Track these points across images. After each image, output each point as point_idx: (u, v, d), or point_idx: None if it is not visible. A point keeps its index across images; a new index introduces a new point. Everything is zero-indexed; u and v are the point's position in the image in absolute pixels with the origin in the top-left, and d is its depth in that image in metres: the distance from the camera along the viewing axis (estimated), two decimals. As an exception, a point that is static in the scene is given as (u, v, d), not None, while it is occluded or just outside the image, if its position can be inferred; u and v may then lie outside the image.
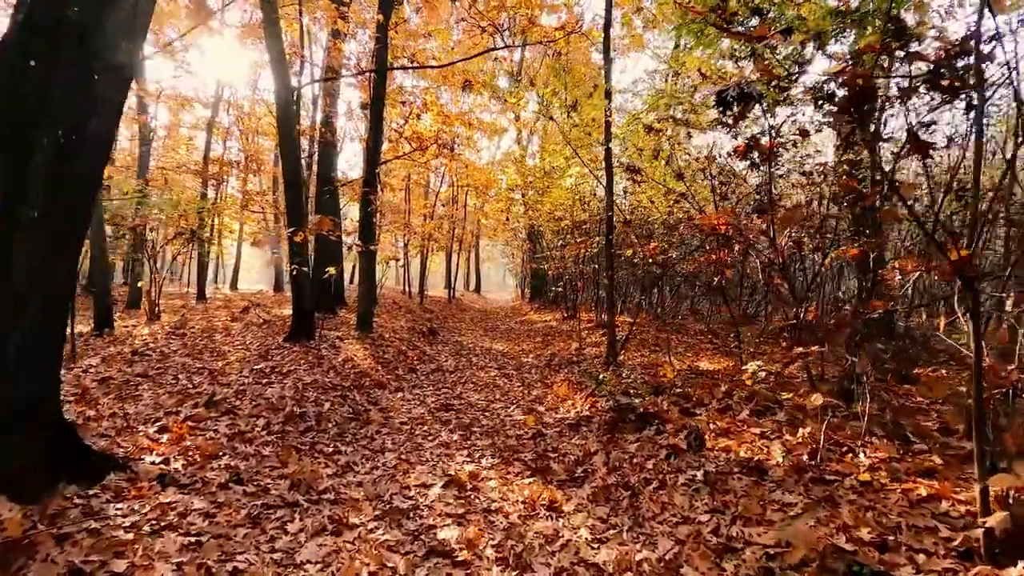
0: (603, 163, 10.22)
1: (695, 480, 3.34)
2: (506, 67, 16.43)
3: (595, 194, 11.18)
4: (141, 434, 3.58)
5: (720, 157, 5.74)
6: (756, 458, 3.43)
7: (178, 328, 9.09)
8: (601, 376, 5.14)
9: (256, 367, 6.03)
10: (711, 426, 4.13)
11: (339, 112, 12.31)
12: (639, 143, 6.90)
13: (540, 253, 19.23)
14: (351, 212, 17.56)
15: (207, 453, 3.44)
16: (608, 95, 6.34)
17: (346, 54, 10.36)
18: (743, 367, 5.90)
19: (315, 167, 12.27)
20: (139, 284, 10.78)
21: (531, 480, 3.75)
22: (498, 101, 18.28)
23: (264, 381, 5.42)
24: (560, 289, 15.46)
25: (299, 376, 5.76)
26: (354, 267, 23.78)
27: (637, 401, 4.55)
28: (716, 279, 5.39)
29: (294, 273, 7.39)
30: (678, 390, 5.22)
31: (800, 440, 3.53)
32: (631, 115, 6.53)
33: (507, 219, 18.39)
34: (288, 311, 10.14)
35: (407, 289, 23.96)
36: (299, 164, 7.35)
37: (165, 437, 3.59)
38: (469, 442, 4.66)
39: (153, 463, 3.17)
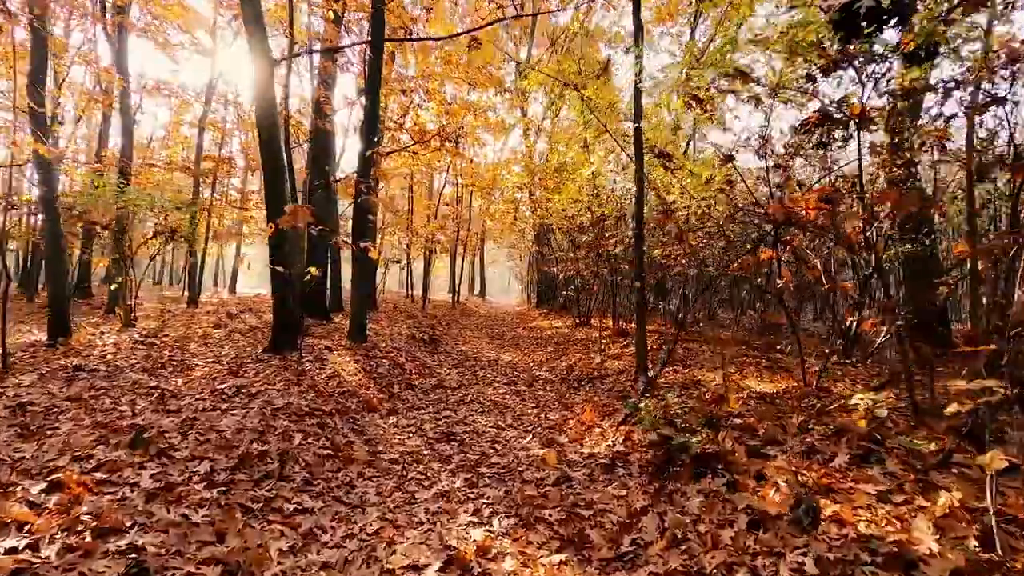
0: (621, 153, 9.23)
1: (804, 572, 2.31)
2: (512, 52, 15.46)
3: (613, 189, 10.16)
4: (18, 496, 2.57)
5: (782, 134, 4.72)
6: (891, 538, 2.39)
7: (150, 336, 8.13)
8: (642, 404, 4.12)
9: (220, 386, 5.02)
10: (799, 478, 3.09)
11: (334, 99, 11.36)
12: (680, 116, 5.88)
13: (549, 255, 18.25)
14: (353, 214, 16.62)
15: (107, 525, 2.43)
16: (638, 59, 5.33)
17: (341, 32, 9.40)
18: (811, 388, 4.87)
19: (307, 157, 11.32)
20: (112, 287, 9.84)
21: (562, 558, 2.72)
22: (503, 95, 17.33)
23: (224, 406, 4.41)
24: (571, 293, 14.44)
25: (269, 398, 4.75)
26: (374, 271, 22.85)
27: (695, 440, 3.50)
28: (780, 283, 4.36)
29: (274, 275, 6.42)
30: (737, 420, 4.18)
31: (948, 511, 2.49)
32: (676, 79, 5.49)
33: (515, 218, 17.37)
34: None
35: (410, 293, 23.05)
36: (280, 149, 6.37)
37: (53, 500, 2.58)
38: (476, 490, 3.63)
39: (12, 550, 2.16)
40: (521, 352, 10.56)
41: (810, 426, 3.89)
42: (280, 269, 5.70)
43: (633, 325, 11.00)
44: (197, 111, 16.65)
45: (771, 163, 5.15)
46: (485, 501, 3.44)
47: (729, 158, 5.02)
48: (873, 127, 3.82)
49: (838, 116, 4.27)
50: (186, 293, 18.20)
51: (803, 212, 3.27)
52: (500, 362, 9.37)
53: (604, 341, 9.06)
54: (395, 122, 11.77)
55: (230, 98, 18.16)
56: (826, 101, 4.72)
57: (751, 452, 3.62)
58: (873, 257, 3.77)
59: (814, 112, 4.38)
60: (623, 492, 3.49)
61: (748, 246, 7.43)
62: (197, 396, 4.67)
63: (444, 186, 22.39)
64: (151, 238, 10.42)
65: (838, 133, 4.78)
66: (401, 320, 13.09)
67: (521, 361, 9.47)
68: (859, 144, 3.74)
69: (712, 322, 12.47)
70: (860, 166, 3.69)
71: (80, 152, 22.55)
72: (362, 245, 5.87)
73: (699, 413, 4.41)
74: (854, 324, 5.83)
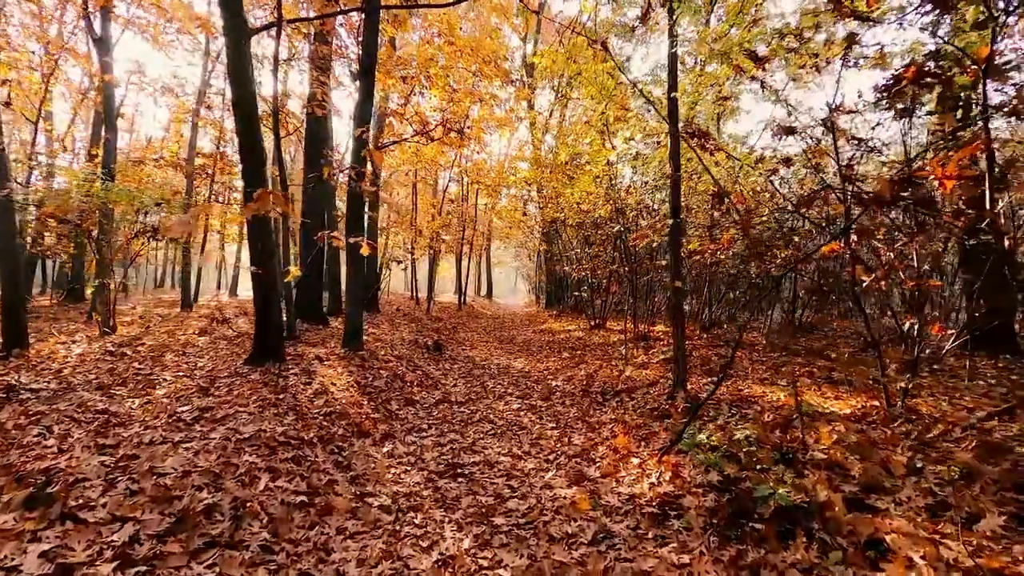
0: (643, 140, 8.36)
1: None
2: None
3: (634, 180, 9.30)
4: None
5: (860, 99, 3.85)
6: None
7: (124, 345, 7.35)
8: (701, 437, 3.27)
9: (181, 409, 4.21)
10: (942, 553, 2.22)
11: (332, 90, 10.56)
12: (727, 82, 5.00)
13: (558, 254, 17.41)
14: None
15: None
16: (674, 15, 4.45)
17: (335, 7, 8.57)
18: (898, 409, 3.98)
19: (303, 153, 10.52)
20: (89, 291, 9.07)
21: None
22: (509, 87, 16.48)
23: (177, 437, 3.59)
24: (584, 294, 13.57)
25: (237, 425, 3.93)
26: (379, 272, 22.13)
27: (782, 492, 2.64)
28: (867, 280, 3.48)
29: (254, 276, 5.61)
30: (819, 454, 3.30)
31: None
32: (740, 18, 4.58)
33: (525, 213, 16.51)
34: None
35: (415, 294, 22.25)
36: (258, 131, 5.55)
37: None
38: (490, 554, 2.78)
39: None
40: (533, 358, 9.70)
41: (919, 464, 3.02)
42: (257, 270, 4.87)
43: (655, 328, 10.14)
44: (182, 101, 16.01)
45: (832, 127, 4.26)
46: (503, 574, 2.59)
47: (791, 130, 4.15)
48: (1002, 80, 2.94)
49: (939, 70, 3.40)
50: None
51: (936, 184, 2.41)
52: (511, 370, 8.52)
53: (627, 347, 8.18)
54: (395, 111, 10.96)
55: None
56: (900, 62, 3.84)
57: (851, 503, 2.74)
58: (1008, 243, 2.91)
59: (908, 66, 3.51)
60: (685, 558, 2.63)
61: (790, 238, 6.55)
62: (148, 423, 3.85)
63: (448, 184, 21.59)
64: (133, 237, 9.66)
65: (926, 96, 3.92)
66: (404, 324, 12.28)
67: (534, 369, 8.61)
68: (984, 98, 2.87)
69: (732, 323, 11.56)
70: (987, 128, 2.82)
71: (80, 154, 22.00)
72: (352, 240, 5.04)
73: (764, 442, 3.54)
74: (915, 328, 4.96)
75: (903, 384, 4.05)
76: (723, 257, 5.97)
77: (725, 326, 10.82)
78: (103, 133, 11.47)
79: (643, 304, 10.95)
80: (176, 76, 14.66)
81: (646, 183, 9.87)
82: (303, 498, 3.15)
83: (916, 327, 4.10)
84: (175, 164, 14.05)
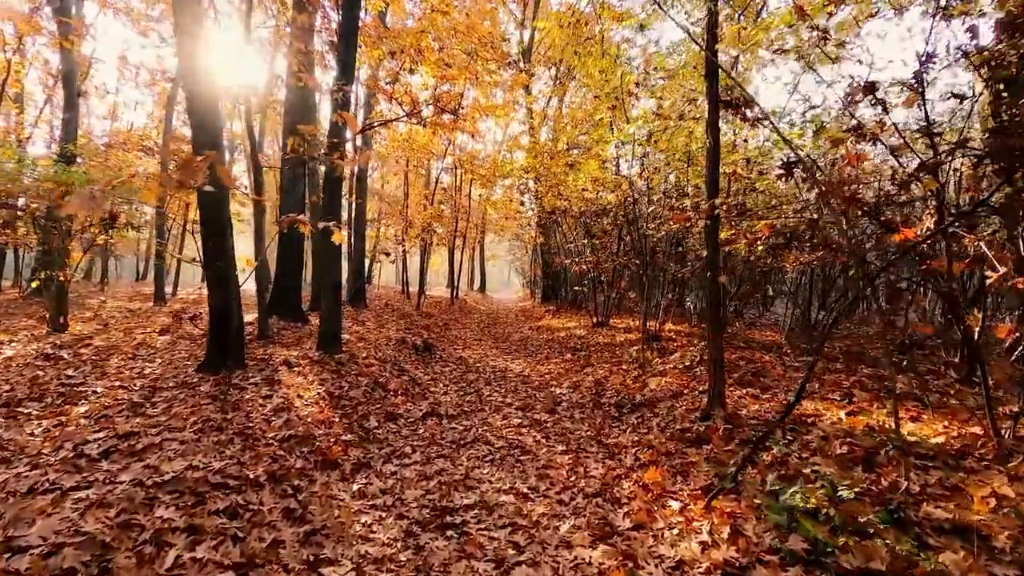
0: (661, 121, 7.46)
1: None
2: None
3: (645, 164, 8.38)
4: None
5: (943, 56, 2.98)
6: None
7: (67, 347, 6.42)
8: (789, 499, 2.42)
9: (95, 436, 3.29)
10: None
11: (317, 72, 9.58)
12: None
13: (555, 247, 16.54)
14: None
15: None
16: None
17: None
18: (1008, 442, 3.13)
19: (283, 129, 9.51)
20: (34, 285, 8.08)
21: None
22: (508, 67, 15.50)
23: (70, 482, 2.68)
24: (584, 288, 12.71)
25: (160, 460, 3.01)
26: (369, 265, 21.16)
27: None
28: (992, 277, 2.63)
29: (205, 269, 4.69)
30: (940, 512, 2.45)
31: None
32: None
33: (522, 203, 15.58)
34: (252, 317, 7.45)
35: (405, 288, 21.30)
36: (214, 105, 4.59)
37: None
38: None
39: None
40: (533, 360, 8.83)
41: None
42: (197, 261, 3.95)
43: (665, 327, 9.29)
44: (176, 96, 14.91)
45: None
46: None
47: (871, 87, 3.28)
48: None
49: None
50: (167, 290, 16.42)
51: None
52: (509, 375, 7.64)
53: (640, 349, 7.31)
54: (383, 89, 9.99)
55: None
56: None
57: (1018, 599, 1.89)
58: None
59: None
60: None
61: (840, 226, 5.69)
62: (42, 459, 2.94)
63: (441, 173, 20.64)
64: (90, 226, 8.66)
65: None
66: (391, 320, 11.36)
67: (535, 373, 7.73)
68: None
69: (740, 320, 10.75)
70: None
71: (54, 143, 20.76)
72: (322, 225, 4.13)
73: (857, 486, 2.67)
74: (976, 332, 4.13)
75: (1013, 408, 3.21)
76: (760, 248, 5.12)
77: (736, 324, 10.01)
78: (66, 113, 10.45)
79: (652, 301, 10.11)
80: (160, 57, 13.68)
81: (656, 170, 8.99)
82: (232, 571, 2.26)
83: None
84: (147, 149, 12.96)
